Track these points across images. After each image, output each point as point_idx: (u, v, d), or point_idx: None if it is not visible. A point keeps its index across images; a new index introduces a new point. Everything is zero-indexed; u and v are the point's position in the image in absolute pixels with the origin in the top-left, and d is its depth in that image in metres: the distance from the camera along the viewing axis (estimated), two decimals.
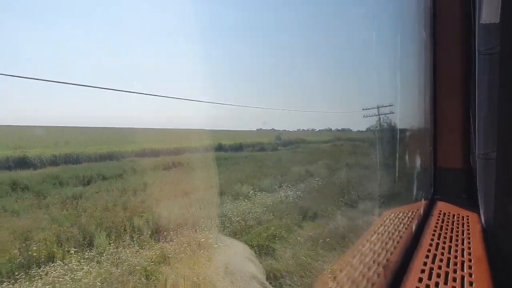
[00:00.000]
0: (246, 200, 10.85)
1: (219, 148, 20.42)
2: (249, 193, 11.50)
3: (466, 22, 2.60)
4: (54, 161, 12.89)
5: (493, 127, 2.13)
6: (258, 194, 11.50)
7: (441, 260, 1.72)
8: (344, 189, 12.39)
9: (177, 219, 8.18)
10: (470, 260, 1.75)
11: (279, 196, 11.63)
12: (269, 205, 10.48)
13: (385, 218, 2.45)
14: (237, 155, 19.73)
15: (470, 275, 1.60)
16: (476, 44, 2.17)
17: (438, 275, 1.56)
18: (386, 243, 1.98)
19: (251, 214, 9.53)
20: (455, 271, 1.61)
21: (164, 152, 14.91)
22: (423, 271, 1.59)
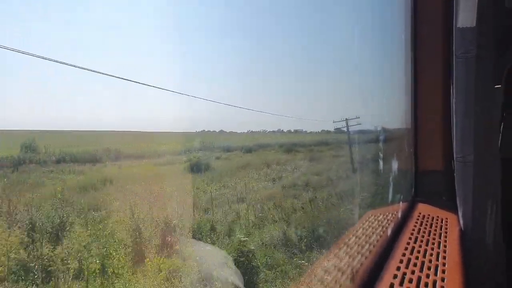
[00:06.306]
0: None
1: None
2: None
3: (447, 25, 2.61)
4: None
5: (470, 131, 2.14)
6: None
7: (415, 265, 1.71)
8: None
9: None
10: (444, 264, 1.74)
11: None
12: None
13: (364, 221, 2.44)
14: None
15: (443, 279, 1.59)
16: (454, 47, 2.18)
17: (410, 280, 1.55)
18: (362, 247, 1.97)
19: None
20: (427, 276, 1.61)
21: None
22: (395, 276, 1.58)
